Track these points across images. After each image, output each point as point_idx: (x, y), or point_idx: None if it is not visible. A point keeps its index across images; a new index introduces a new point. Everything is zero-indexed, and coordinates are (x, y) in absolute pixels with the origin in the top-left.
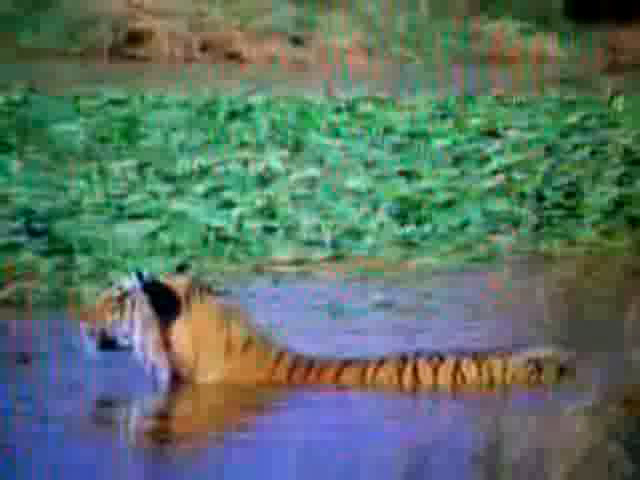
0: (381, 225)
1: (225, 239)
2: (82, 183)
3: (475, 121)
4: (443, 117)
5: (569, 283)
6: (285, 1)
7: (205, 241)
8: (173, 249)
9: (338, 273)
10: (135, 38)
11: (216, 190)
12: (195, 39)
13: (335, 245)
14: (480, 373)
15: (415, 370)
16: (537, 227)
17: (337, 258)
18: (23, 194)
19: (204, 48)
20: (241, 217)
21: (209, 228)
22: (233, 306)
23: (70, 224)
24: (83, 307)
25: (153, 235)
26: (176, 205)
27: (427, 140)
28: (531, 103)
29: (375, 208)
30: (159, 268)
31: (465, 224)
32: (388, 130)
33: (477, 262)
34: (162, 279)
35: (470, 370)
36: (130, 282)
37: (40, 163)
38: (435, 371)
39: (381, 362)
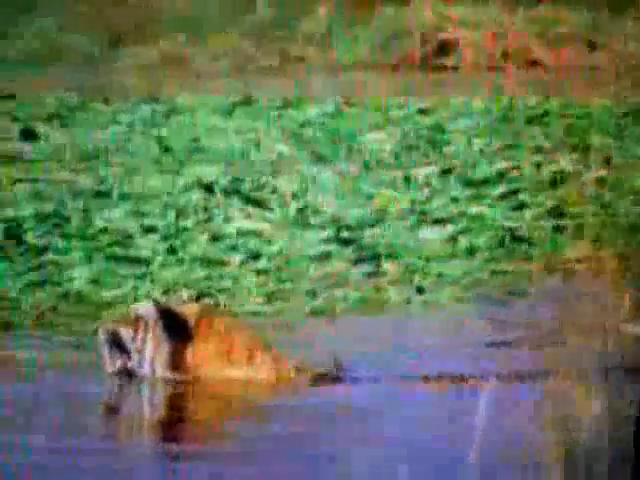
0: None
1: (519, 239)
2: (388, 191)
3: None
4: None
5: None
6: (581, 8)
7: (501, 242)
8: (472, 251)
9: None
10: (443, 49)
11: (512, 192)
12: (497, 48)
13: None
14: None
15: None
16: None
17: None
18: (334, 203)
19: (506, 56)
20: (533, 217)
21: (504, 229)
22: (238, 326)
23: (377, 231)
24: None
25: (453, 238)
26: (474, 208)
27: None
28: None
29: None
30: (457, 272)
31: None
32: None
33: None
34: (175, 307)
35: None
36: (145, 309)
37: (349, 173)
38: None
39: None
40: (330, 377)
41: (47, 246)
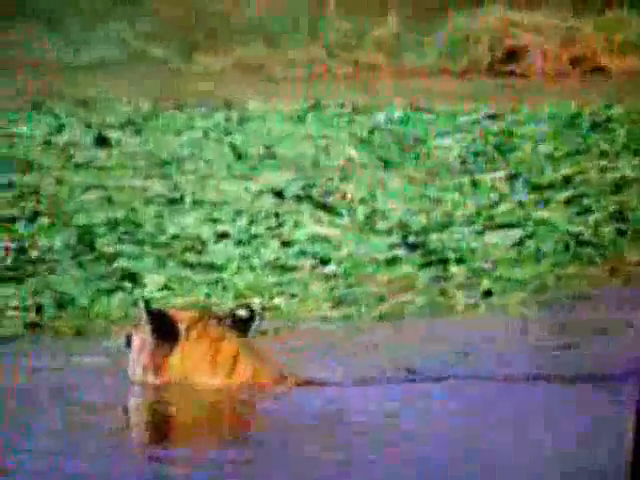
0: None
1: (583, 243)
2: (456, 195)
3: None
4: None
5: None
6: None
7: (566, 246)
8: (537, 256)
9: None
10: (511, 55)
11: (576, 197)
12: (564, 53)
13: None
14: None
15: None
16: None
17: None
18: (401, 208)
19: (573, 62)
20: (597, 222)
21: (569, 234)
22: (233, 336)
23: (444, 236)
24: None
25: (519, 243)
26: (540, 213)
27: None
28: None
29: None
30: (524, 276)
31: None
32: None
33: None
34: (168, 310)
35: None
36: (140, 309)
37: (417, 178)
38: None
39: None
40: (317, 384)
41: (119, 253)
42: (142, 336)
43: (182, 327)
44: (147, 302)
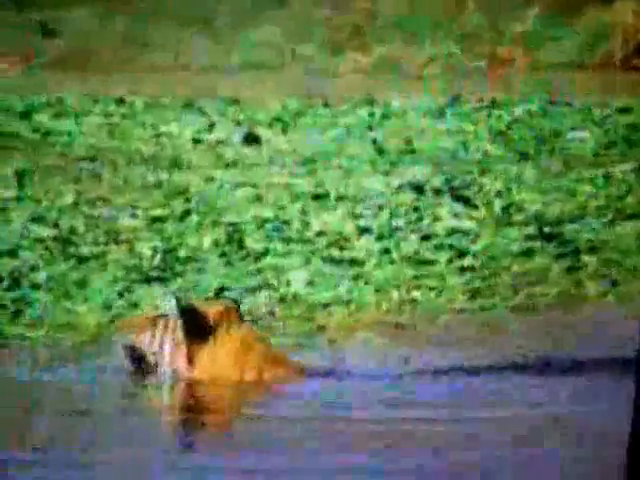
0: None
1: None
2: (588, 187)
3: None
4: None
5: None
6: None
7: None
8: None
9: None
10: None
11: None
12: None
13: None
14: None
15: None
16: None
17: None
18: (537, 200)
19: None
20: None
21: None
22: (257, 335)
23: (577, 227)
24: (120, 323)
25: None
26: None
27: None
28: None
29: None
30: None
31: None
32: None
33: None
34: (198, 305)
35: None
36: (167, 305)
37: (552, 170)
38: None
39: None
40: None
41: (267, 250)
42: (173, 337)
43: (212, 322)
44: (177, 299)
